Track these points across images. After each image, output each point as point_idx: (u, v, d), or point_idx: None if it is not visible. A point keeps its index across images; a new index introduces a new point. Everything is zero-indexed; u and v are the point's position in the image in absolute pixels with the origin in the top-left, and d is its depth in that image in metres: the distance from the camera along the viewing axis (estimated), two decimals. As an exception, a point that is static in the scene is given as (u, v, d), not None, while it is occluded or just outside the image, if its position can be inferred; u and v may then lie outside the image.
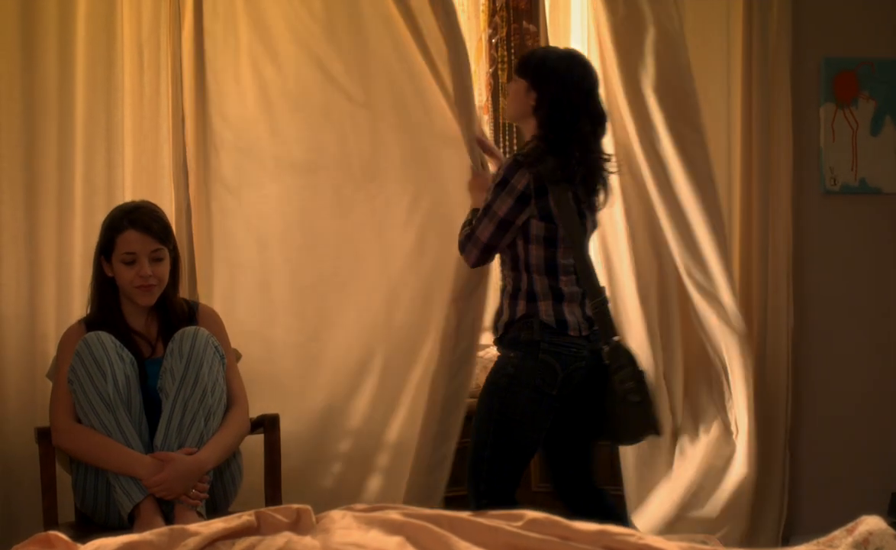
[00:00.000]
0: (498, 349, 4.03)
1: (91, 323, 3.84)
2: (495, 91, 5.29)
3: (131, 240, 3.79)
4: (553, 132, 3.89)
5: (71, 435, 3.70)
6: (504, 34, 5.27)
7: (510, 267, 3.99)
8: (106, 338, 3.68)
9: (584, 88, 3.94)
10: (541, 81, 3.93)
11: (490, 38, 5.27)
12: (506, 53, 5.28)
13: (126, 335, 3.80)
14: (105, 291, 3.88)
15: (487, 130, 5.29)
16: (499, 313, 4.02)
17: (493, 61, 5.27)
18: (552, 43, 4.95)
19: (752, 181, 5.11)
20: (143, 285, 3.80)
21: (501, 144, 5.28)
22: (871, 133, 5.47)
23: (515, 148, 5.25)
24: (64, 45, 4.40)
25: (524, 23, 5.25)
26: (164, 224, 3.89)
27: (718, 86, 5.16)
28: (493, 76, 5.27)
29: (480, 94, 5.27)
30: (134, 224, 3.80)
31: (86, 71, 4.44)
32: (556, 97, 3.90)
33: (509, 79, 5.23)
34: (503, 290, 4.05)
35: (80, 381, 3.62)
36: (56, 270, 4.39)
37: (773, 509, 5.16)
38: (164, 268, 3.85)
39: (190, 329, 3.76)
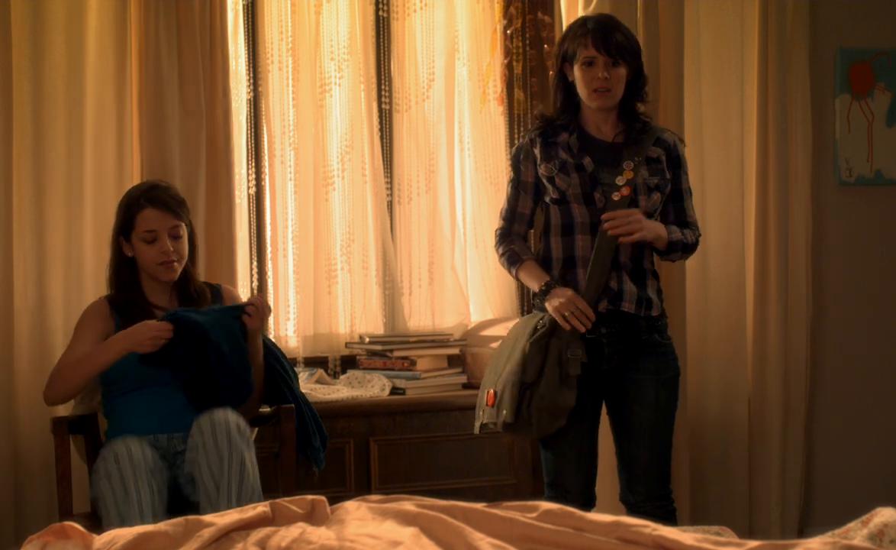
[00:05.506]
0: (657, 337, 3.96)
1: (113, 301, 3.88)
2: (510, 82, 5.27)
3: (151, 218, 3.83)
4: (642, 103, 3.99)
5: (54, 383, 3.79)
6: (519, 25, 5.25)
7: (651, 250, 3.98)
8: (136, 450, 3.59)
9: None
10: (637, 59, 3.95)
11: (505, 29, 5.26)
12: (521, 44, 5.26)
13: (148, 312, 3.83)
14: (124, 271, 3.91)
15: (502, 121, 5.28)
16: (648, 298, 3.93)
17: (507, 52, 5.26)
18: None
19: (768, 173, 5.09)
20: (166, 261, 3.84)
21: (516, 135, 5.27)
22: (886, 125, 5.45)
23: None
24: (73, 35, 4.42)
25: (539, 14, 5.23)
26: (181, 201, 3.95)
27: (732, 76, 5.14)
28: (508, 67, 5.26)
29: (495, 84, 5.26)
30: (152, 202, 3.85)
31: (95, 61, 4.45)
32: (641, 69, 3.97)
33: (525, 69, 5.23)
34: (647, 272, 3.96)
35: (106, 504, 3.53)
36: (66, 262, 4.41)
37: (790, 500, 5.16)
38: (184, 244, 3.90)
39: (219, 420, 3.64)
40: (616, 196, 3.82)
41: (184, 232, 3.90)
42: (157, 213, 3.84)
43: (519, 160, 4.00)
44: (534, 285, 3.92)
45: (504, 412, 3.78)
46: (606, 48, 3.82)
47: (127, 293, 3.89)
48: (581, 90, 3.89)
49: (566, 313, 3.76)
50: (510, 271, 4.02)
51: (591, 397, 3.90)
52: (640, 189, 3.86)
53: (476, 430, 3.95)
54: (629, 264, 3.88)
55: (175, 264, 3.87)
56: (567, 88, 3.95)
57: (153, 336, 3.65)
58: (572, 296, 3.78)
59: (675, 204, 3.99)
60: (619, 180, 3.83)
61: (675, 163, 3.98)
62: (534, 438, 3.85)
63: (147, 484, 3.55)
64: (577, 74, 3.88)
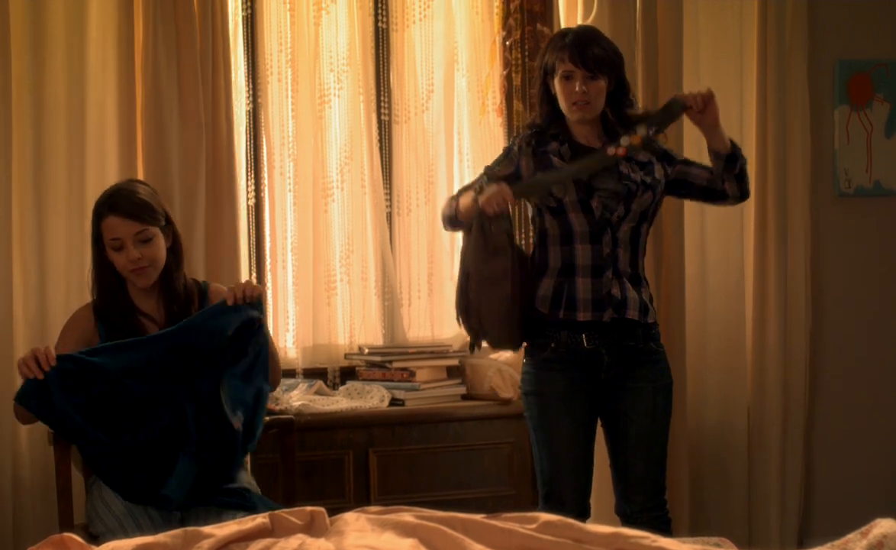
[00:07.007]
0: (652, 345, 3.98)
1: (98, 308, 3.77)
2: (509, 93, 5.28)
3: (113, 226, 3.65)
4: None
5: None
6: (518, 37, 5.26)
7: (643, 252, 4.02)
8: (117, 507, 3.61)
9: None
10: (616, 70, 3.93)
11: (504, 40, 5.27)
12: (520, 56, 5.27)
13: (131, 317, 3.73)
14: (106, 276, 3.75)
15: (501, 132, 5.29)
16: (646, 304, 3.95)
17: (506, 64, 5.26)
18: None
19: (767, 183, 5.10)
20: (135, 268, 3.68)
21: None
22: (885, 136, 5.45)
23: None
24: (73, 45, 4.43)
25: (538, 25, 5.23)
26: (146, 204, 3.70)
27: (731, 87, 5.15)
28: (507, 79, 5.26)
29: (495, 96, 5.26)
30: (113, 209, 3.66)
31: (96, 71, 4.46)
32: (623, 79, 3.97)
33: (524, 81, 5.24)
34: (641, 279, 3.99)
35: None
36: (66, 273, 4.41)
37: (789, 511, 5.16)
38: (155, 248, 3.70)
39: None
40: (611, 150, 3.83)
41: (154, 234, 3.69)
42: (118, 220, 3.64)
43: (505, 155, 4.01)
44: (470, 194, 3.89)
45: (456, 310, 3.92)
46: (584, 62, 3.82)
47: (110, 299, 3.74)
48: (561, 103, 3.90)
49: (493, 205, 3.76)
50: (450, 213, 3.99)
51: (587, 407, 3.92)
52: (637, 190, 3.88)
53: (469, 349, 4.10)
54: (628, 270, 3.89)
55: (147, 269, 3.69)
56: (551, 100, 3.95)
57: (35, 359, 3.46)
58: (503, 186, 3.79)
59: (690, 165, 4.04)
60: (624, 141, 3.82)
61: (666, 156, 4.02)
62: (485, 323, 3.86)
63: (148, 525, 3.50)
64: (557, 87, 3.89)
